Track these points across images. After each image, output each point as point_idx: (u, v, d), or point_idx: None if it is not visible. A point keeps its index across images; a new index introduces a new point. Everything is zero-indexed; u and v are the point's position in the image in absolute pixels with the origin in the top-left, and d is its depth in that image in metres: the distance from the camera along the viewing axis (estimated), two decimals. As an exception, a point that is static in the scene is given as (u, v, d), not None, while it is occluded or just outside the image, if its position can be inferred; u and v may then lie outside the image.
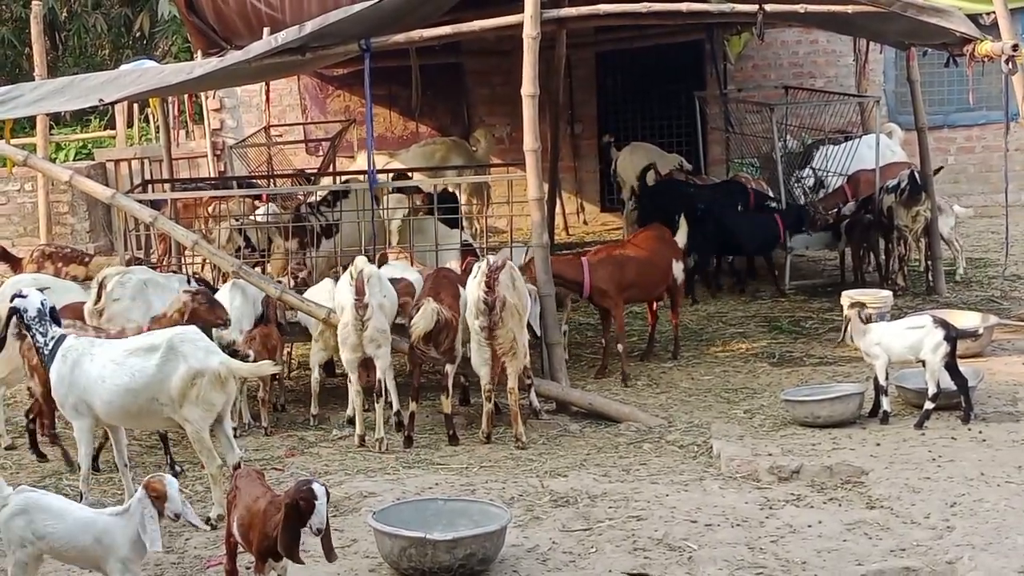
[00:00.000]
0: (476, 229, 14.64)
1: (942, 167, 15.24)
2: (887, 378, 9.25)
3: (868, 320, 9.34)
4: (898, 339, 9.22)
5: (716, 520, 7.42)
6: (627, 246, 11.64)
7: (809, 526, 7.28)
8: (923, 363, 9.15)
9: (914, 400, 9.52)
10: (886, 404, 9.24)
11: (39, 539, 6.06)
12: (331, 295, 10.21)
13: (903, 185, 13.43)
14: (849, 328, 9.33)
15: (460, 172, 14.87)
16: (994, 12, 9.60)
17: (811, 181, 15.81)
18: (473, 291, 9.20)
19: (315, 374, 10.21)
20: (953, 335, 9.14)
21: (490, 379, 9.26)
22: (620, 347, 11.00)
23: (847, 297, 11.84)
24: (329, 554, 6.06)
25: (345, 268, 12.51)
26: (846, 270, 14.43)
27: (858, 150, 15.20)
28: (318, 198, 12.89)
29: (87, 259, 12.19)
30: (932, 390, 9.08)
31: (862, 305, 9.51)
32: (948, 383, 9.23)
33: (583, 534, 7.28)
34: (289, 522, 5.93)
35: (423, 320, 9.13)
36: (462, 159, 15.59)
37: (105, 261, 12.11)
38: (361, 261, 9.46)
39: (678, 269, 11.54)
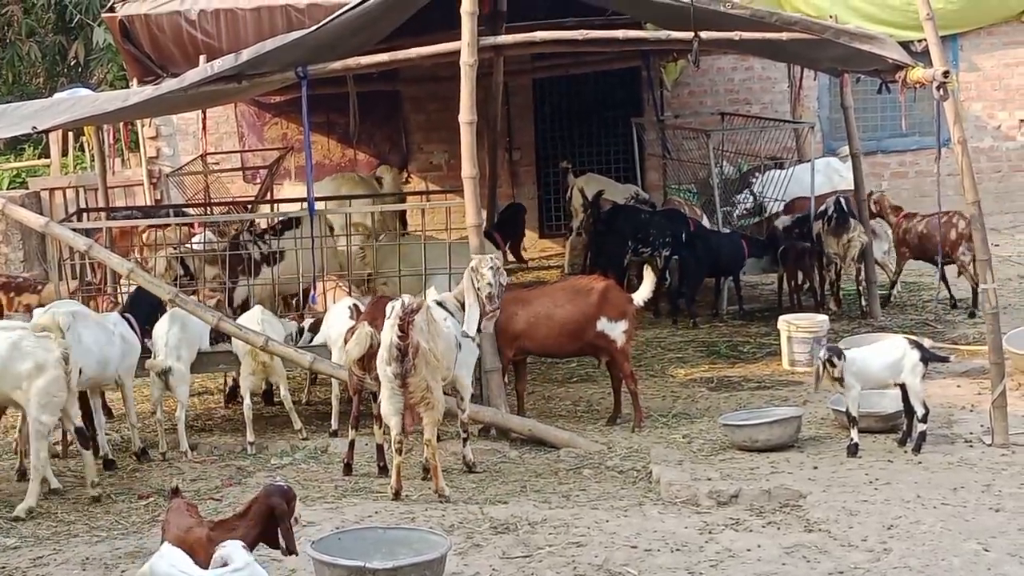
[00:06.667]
0: None
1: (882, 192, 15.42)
2: (858, 407, 9.22)
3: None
4: (874, 364, 9.25)
5: (656, 545, 7.43)
6: (534, 292, 10.82)
7: (748, 550, 7.31)
8: (901, 386, 9.20)
9: (845, 423, 9.55)
10: (855, 436, 9.21)
11: None
12: (260, 323, 10.36)
13: (829, 212, 13.51)
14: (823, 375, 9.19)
15: (400, 200, 15.02)
16: (925, 39, 9.71)
17: (750, 203, 15.91)
18: (386, 335, 8.51)
19: (247, 401, 10.19)
20: (927, 356, 9.23)
21: (400, 429, 8.57)
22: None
23: (784, 321, 11.98)
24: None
25: (284, 297, 12.60)
26: (783, 295, 14.52)
27: (799, 176, 15.30)
28: (260, 227, 12.90)
29: (39, 287, 12.02)
30: (920, 411, 9.14)
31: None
32: (898, 405, 9.34)
33: (523, 561, 7.26)
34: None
35: (356, 346, 8.94)
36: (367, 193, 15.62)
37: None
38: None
39: (614, 329, 10.33)
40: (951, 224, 13.18)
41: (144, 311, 10.32)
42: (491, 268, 9.07)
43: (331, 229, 13.22)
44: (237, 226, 13.13)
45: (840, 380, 9.15)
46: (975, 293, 13.02)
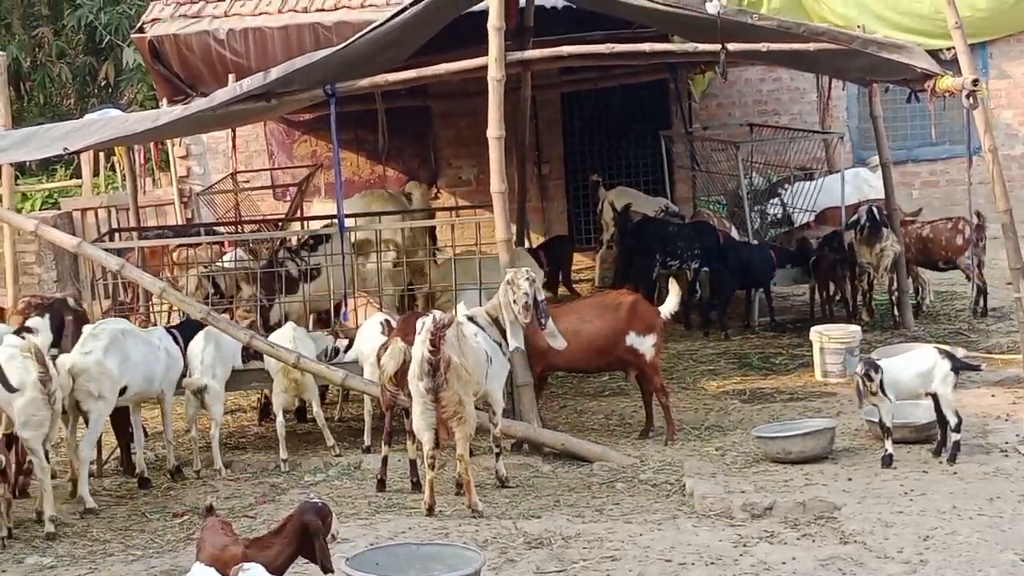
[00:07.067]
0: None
1: (921, 209, 15.34)
2: (892, 418, 9.16)
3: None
4: (905, 375, 9.19)
5: (690, 559, 7.40)
6: (563, 308, 10.68)
7: (783, 563, 7.28)
8: (933, 396, 9.15)
9: (879, 434, 9.50)
10: (889, 446, 9.16)
11: None
12: (292, 340, 10.35)
13: (862, 222, 13.47)
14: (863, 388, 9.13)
15: (429, 216, 15.05)
16: (954, 47, 9.69)
17: (779, 213, 15.87)
18: (417, 350, 8.55)
19: (280, 418, 10.21)
20: (958, 365, 9.19)
21: (433, 444, 8.58)
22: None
23: (816, 332, 11.93)
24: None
25: (316, 313, 12.62)
26: (815, 305, 14.46)
27: (829, 186, 15.27)
28: (294, 243, 12.92)
29: None
30: (952, 420, 9.08)
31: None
32: (932, 415, 9.28)
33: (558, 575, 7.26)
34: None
35: (391, 360, 8.95)
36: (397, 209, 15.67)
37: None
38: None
39: (643, 343, 10.29)
40: (957, 230, 13.46)
41: (192, 329, 10.37)
42: (527, 279, 9.09)
43: (353, 247, 13.23)
44: (269, 244, 13.16)
45: (876, 393, 9.10)
46: (984, 294, 13.56)
